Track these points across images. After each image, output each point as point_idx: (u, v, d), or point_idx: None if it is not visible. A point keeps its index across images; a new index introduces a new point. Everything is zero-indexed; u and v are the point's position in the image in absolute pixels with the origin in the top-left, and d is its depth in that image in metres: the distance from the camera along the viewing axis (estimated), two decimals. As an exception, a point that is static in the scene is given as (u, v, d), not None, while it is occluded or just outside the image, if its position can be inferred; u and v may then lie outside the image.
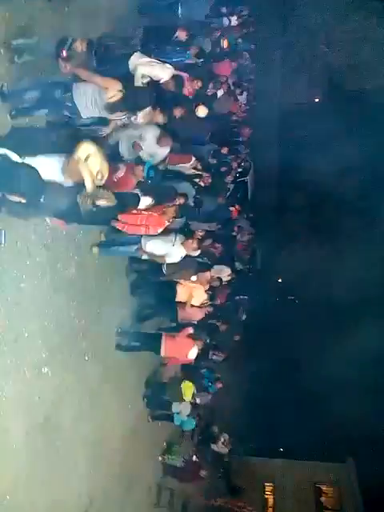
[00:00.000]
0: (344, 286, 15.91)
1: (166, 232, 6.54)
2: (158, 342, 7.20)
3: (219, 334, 9.83)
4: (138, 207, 5.94)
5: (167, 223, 6.30)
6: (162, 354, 7.28)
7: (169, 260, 6.74)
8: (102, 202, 4.58)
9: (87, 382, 6.26)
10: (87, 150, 4.27)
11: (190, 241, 6.72)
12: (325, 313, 17.24)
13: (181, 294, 7.66)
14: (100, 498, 6.60)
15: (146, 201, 5.98)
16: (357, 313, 15.77)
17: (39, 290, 5.19)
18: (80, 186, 4.33)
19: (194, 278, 7.59)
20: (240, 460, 13.34)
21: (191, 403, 9.21)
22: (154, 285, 7.74)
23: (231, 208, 10.68)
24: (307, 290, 17.61)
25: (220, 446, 11.22)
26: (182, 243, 6.66)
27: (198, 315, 7.79)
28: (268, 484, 14.98)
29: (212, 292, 8.16)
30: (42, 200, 3.81)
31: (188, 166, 7.70)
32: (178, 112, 6.49)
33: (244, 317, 12.41)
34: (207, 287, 8.01)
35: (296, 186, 17.15)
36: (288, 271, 18.00)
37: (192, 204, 7.28)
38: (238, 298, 11.83)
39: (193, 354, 7.40)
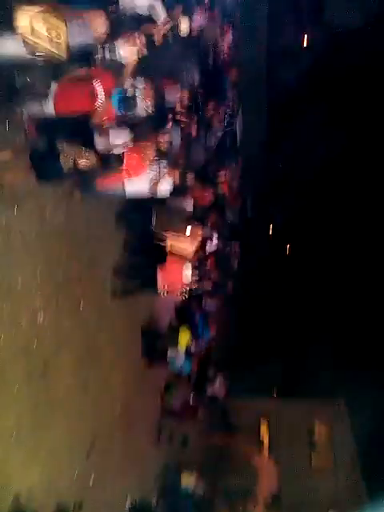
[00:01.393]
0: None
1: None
2: (153, 276, 7.16)
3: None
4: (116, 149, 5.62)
5: (149, 164, 6.00)
6: (159, 287, 7.28)
7: (160, 194, 6.52)
8: (82, 162, 4.41)
9: (84, 329, 6.32)
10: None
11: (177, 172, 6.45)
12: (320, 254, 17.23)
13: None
14: (102, 439, 6.84)
15: (121, 135, 5.62)
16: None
17: (29, 237, 5.12)
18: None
19: (187, 232, 7.51)
20: (235, 399, 13.80)
21: (186, 349, 9.45)
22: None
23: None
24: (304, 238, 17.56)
25: (216, 387, 11.59)
26: (167, 173, 6.28)
27: (188, 249, 7.68)
28: (263, 421, 15.66)
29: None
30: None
31: (174, 97, 7.17)
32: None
33: (236, 265, 12.49)
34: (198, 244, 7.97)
35: (286, 131, 16.74)
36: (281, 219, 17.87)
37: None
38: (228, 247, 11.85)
39: (187, 274, 7.37)
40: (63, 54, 3.89)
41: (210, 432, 12.56)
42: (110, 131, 5.49)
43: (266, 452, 14.59)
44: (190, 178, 7.44)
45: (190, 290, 8.84)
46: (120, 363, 7.62)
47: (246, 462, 12.76)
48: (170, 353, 9.23)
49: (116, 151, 5.59)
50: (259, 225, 17.32)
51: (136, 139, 5.78)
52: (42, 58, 3.90)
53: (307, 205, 16.63)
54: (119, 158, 5.50)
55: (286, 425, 15.50)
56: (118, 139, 5.56)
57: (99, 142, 5.37)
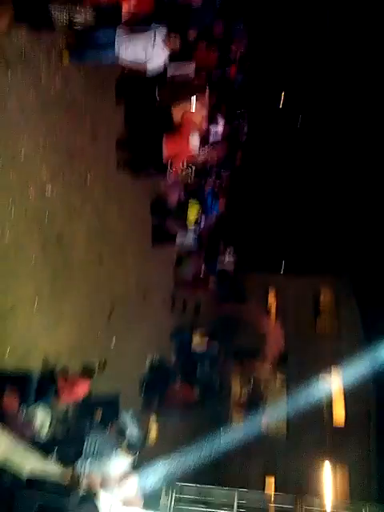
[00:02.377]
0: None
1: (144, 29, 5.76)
2: (158, 148, 6.98)
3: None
4: None
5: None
6: (165, 158, 7.13)
7: (151, 66, 6.09)
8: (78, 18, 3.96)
9: (93, 203, 6.32)
10: None
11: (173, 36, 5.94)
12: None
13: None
14: (120, 306, 7.27)
15: None
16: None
17: (27, 107, 4.86)
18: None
19: (192, 99, 7.08)
20: (244, 272, 14.34)
21: (195, 223, 9.52)
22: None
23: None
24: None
25: (225, 260, 11.95)
26: (162, 41, 5.83)
27: (195, 117, 7.37)
28: (271, 291, 16.48)
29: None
30: None
31: None
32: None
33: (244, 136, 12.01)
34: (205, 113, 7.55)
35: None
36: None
37: None
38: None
39: (195, 144, 7.18)
40: None
41: (221, 301, 13.22)
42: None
43: (273, 318, 15.57)
44: (193, 35, 6.79)
45: (198, 165, 8.66)
46: (132, 236, 7.77)
47: (254, 327, 13.65)
48: (178, 230, 9.33)
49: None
50: (268, 92, 16.22)
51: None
52: None
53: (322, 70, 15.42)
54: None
55: (293, 294, 16.30)
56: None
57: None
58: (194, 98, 7.27)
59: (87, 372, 5.34)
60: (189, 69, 7.66)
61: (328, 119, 16.31)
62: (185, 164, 7.70)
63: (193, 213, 9.47)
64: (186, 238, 9.51)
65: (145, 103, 7.27)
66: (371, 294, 14.77)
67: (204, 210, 9.95)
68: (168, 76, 7.21)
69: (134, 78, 6.77)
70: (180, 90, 7.26)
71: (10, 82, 4.60)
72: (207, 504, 10.43)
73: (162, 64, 6.12)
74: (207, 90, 7.51)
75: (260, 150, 14.56)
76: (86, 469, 4.62)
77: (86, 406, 5.75)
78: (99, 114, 6.50)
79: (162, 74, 6.85)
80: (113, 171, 6.92)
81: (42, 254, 5.16)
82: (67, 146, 5.63)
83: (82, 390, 5.38)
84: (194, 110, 7.35)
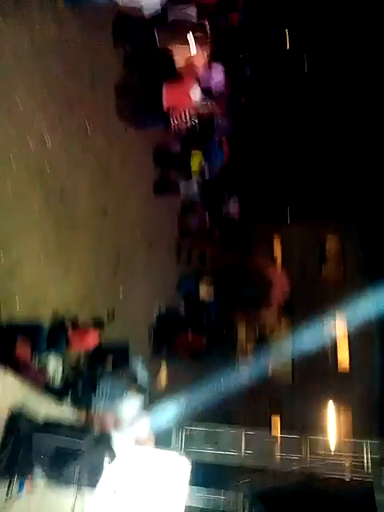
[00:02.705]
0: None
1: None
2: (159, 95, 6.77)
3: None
4: None
5: None
6: (165, 106, 6.95)
7: (147, 5, 5.79)
8: None
9: (94, 153, 6.23)
10: None
11: None
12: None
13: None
14: (126, 257, 7.34)
15: None
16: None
17: (22, 55, 4.69)
18: None
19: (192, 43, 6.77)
20: (249, 221, 14.27)
21: (199, 172, 9.37)
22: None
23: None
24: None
25: (230, 209, 11.88)
26: None
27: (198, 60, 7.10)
28: (276, 241, 16.48)
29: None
30: None
31: None
32: None
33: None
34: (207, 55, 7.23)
35: None
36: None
37: None
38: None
39: (196, 93, 6.99)
40: None
41: (226, 250, 13.25)
42: None
43: (279, 266, 15.66)
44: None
45: (200, 113, 8.39)
46: (135, 186, 7.71)
47: (260, 275, 13.73)
48: (181, 180, 9.21)
49: None
50: (272, 33, 15.47)
51: None
52: None
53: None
54: None
55: (298, 241, 16.30)
56: None
57: None
58: (194, 41, 6.97)
59: (97, 324, 5.47)
60: (191, 12, 7.31)
61: (334, 60, 15.65)
62: (186, 112, 7.48)
63: (196, 163, 9.30)
64: (190, 188, 9.41)
65: (144, 47, 6.99)
66: (377, 239, 14.76)
67: (207, 159, 9.77)
68: (169, 20, 6.89)
69: (131, 19, 6.47)
70: (181, 32, 6.95)
71: (2, 30, 4.42)
72: (216, 444, 10.99)
73: (159, 3, 5.83)
74: (208, 33, 7.16)
75: (264, 95, 14.08)
76: (99, 412, 4.84)
77: (97, 354, 5.94)
78: (97, 60, 6.27)
79: (162, 16, 6.56)
80: (114, 120, 6.76)
81: (46, 207, 5.15)
82: (65, 95, 5.49)
83: (92, 339, 5.54)
84: (195, 54, 7.06)
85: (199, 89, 7.05)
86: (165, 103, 6.81)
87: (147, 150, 8.34)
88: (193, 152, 9.43)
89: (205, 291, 10.32)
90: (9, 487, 2.77)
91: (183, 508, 4.85)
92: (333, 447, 12.02)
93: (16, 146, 4.62)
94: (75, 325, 5.58)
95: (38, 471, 2.87)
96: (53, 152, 5.25)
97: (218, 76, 8.70)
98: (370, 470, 10.80)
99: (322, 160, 16.06)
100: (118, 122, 6.84)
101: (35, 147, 4.89)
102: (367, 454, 10.92)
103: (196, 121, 7.99)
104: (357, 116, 15.22)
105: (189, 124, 8.37)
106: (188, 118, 7.67)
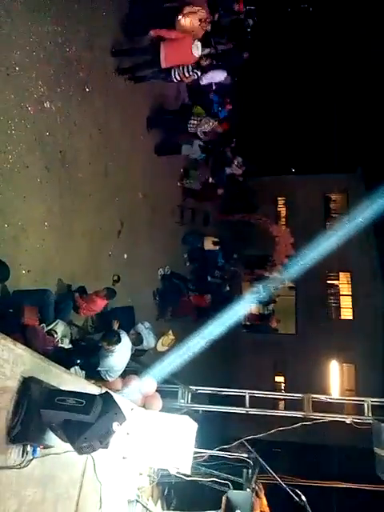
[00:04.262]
0: None
1: None
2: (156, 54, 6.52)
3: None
4: None
5: None
6: (163, 65, 6.67)
7: None
8: None
9: (93, 115, 6.07)
10: None
11: None
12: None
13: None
14: (129, 221, 7.29)
15: None
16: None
17: (17, 17, 4.49)
18: None
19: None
20: (253, 179, 14.09)
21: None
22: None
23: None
24: None
25: (234, 168, 11.68)
26: None
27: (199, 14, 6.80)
28: (281, 198, 16.28)
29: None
30: None
31: None
32: None
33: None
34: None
35: None
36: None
37: None
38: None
39: (196, 48, 6.71)
40: None
41: (230, 210, 13.15)
42: None
43: (283, 224, 15.55)
44: None
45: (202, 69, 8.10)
46: (137, 147, 7.56)
47: (264, 234, 13.65)
48: (184, 140, 9.00)
49: None
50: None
51: None
52: None
53: None
54: None
55: (303, 197, 16.06)
56: None
57: None
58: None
59: (105, 294, 5.50)
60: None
61: (335, 8, 14.97)
62: (188, 69, 7.23)
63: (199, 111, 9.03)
64: (193, 148, 9.21)
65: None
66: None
67: (211, 113, 9.49)
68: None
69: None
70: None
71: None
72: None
73: None
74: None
75: (267, 47, 13.53)
76: (107, 376, 4.97)
77: (104, 318, 6.04)
78: (94, 14, 6.01)
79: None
80: (112, 79, 6.55)
81: (48, 174, 5.08)
82: (62, 55, 5.29)
83: (99, 306, 5.60)
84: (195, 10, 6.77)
85: (200, 43, 6.78)
86: (163, 63, 6.57)
87: (148, 108, 8.11)
88: (194, 108, 9.20)
89: (210, 246, 10.32)
90: (23, 452, 2.90)
91: (190, 467, 5.06)
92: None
93: (15, 111, 4.49)
94: (83, 291, 5.64)
95: (50, 437, 2.99)
96: (51, 114, 5.10)
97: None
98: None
99: (326, 110, 15.68)
100: (116, 81, 6.63)
101: (34, 111, 4.76)
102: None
103: (199, 73, 7.76)
104: (360, 63, 14.73)
105: (191, 79, 8.14)
106: (191, 72, 7.43)
